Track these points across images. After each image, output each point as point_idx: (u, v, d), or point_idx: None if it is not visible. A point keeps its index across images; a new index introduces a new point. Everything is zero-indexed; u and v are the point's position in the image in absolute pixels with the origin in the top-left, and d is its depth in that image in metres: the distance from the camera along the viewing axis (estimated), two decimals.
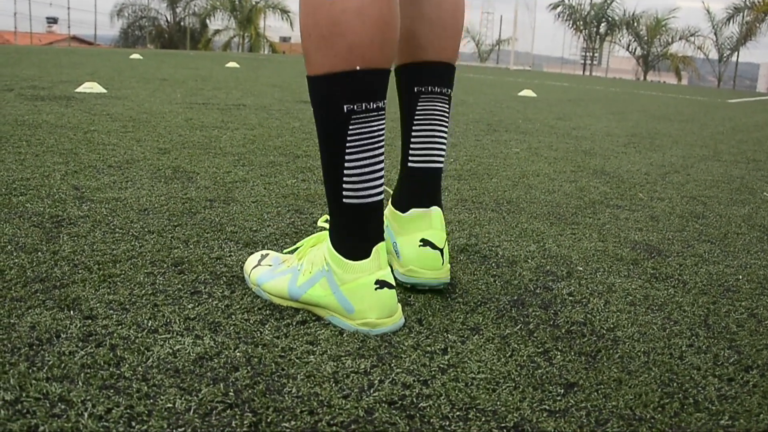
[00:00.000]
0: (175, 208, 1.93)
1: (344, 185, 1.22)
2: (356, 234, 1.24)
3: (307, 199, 2.16)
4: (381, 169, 1.23)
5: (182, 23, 34.19)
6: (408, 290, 1.43)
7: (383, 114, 1.22)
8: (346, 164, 1.21)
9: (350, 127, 1.19)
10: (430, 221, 1.44)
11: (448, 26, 1.44)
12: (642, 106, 9.08)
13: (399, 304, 1.26)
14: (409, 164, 1.47)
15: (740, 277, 1.70)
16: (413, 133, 1.46)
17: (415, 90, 1.45)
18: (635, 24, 34.44)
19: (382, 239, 1.25)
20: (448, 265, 1.44)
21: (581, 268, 1.67)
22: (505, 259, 1.69)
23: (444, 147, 1.48)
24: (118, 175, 2.29)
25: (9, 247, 1.50)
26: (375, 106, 1.20)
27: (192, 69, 9.59)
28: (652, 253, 1.86)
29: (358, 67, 1.16)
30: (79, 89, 5.03)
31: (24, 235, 1.59)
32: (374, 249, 1.23)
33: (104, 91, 5.07)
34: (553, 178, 2.90)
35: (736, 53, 31.97)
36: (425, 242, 1.42)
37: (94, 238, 1.61)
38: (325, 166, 1.25)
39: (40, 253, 1.48)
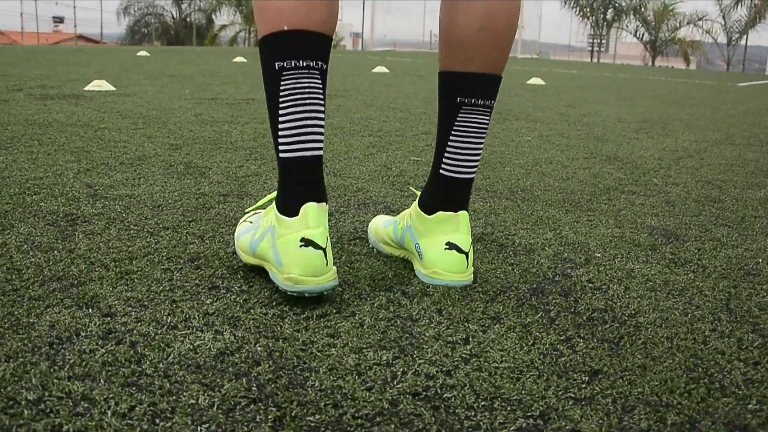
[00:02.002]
0: (189, 203, 1.93)
1: (279, 139, 1.30)
2: (288, 190, 1.31)
3: None
4: (313, 126, 1.29)
5: (188, 19, 34.19)
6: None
7: (315, 74, 1.28)
8: (280, 118, 1.29)
9: (281, 83, 1.28)
10: (457, 225, 1.43)
11: (501, 36, 1.38)
12: (652, 91, 9.03)
13: (332, 267, 1.29)
14: (441, 171, 1.45)
15: (760, 260, 1.69)
16: (449, 143, 1.43)
17: (458, 100, 1.40)
18: (643, 9, 34.24)
19: (316, 200, 1.29)
20: (472, 267, 1.43)
21: (599, 255, 1.65)
22: (522, 248, 1.67)
23: (478, 158, 1.46)
24: (131, 172, 2.29)
25: (25, 246, 1.50)
26: (305, 64, 1.27)
27: (199, 65, 9.59)
28: (670, 238, 1.84)
29: (285, 27, 1.26)
30: (88, 87, 5.03)
31: (39, 234, 1.59)
32: (302, 208, 1.28)
33: (113, 88, 5.08)
34: (566, 165, 2.88)
35: (745, 36, 31.75)
36: (451, 245, 1.41)
37: (110, 236, 1.60)
38: (270, 125, 1.32)
39: (56, 251, 1.48)
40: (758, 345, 1.19)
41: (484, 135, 1.44)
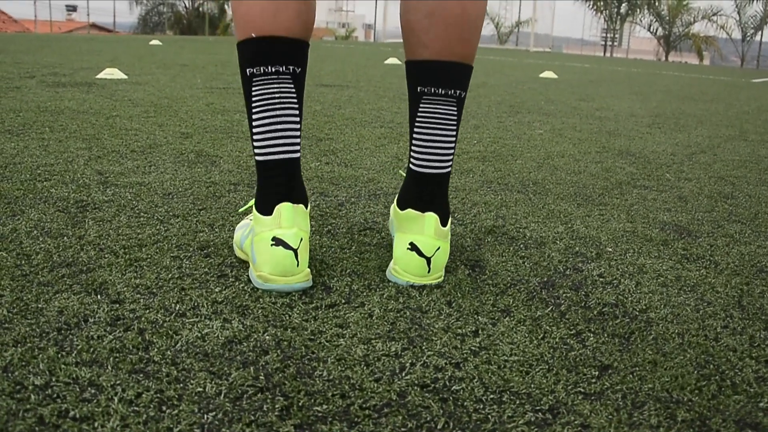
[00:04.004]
0: (200, 192, 1.93)
1: (254, 142, 1.33)
2: (263, 189, 1.33)
3: (331, 182, 2.14)
4: (285, 129, 1.31)
5: (200, 9, 34.17)
6: None
7: (286, 78, 1.30)
8: (254, 122, 1.32)
9: (253, 89, 1.31)
10: (422, 227, 1.35)
11: (452, 21, 1.29)
12: (665, 86, 8.98)
13: (305, 269, 1.29)
14: (411, 166, 1.40)
15: None
16: (414, 135, 1.37)
17: (418, 90, 1.35)
18: (656, 4, 33.99)
19: (291, 200, 1.31)
20: (441, 272, 1.37)
21: (611, 249, 1.64)
22: (533, 241, 1.66)
23: (448, 152, 1.38)
24: (142, 160, 2.29)
25: (35, 232, 1.50)
26: (273, 69, 1.29)
27: (211, 54, 9.58)
28: (682, 233, 1.83)
29: (253, 35, 1.28)
30: (100, 75, 5.04)
31: (49, 220, 1.59)
32: (276, 208, 1.30)
33: (125, 77, 5.08)
34: (578, 159, 2.87)
35: (760, 32, 31.49)
36: (413, 247, 1.34)
37: (119, 223, 1.60)
38: (249, 128, 1.35)
39: (65, 237, 1.48)
40: None
41: (450, 128, 1.36)
